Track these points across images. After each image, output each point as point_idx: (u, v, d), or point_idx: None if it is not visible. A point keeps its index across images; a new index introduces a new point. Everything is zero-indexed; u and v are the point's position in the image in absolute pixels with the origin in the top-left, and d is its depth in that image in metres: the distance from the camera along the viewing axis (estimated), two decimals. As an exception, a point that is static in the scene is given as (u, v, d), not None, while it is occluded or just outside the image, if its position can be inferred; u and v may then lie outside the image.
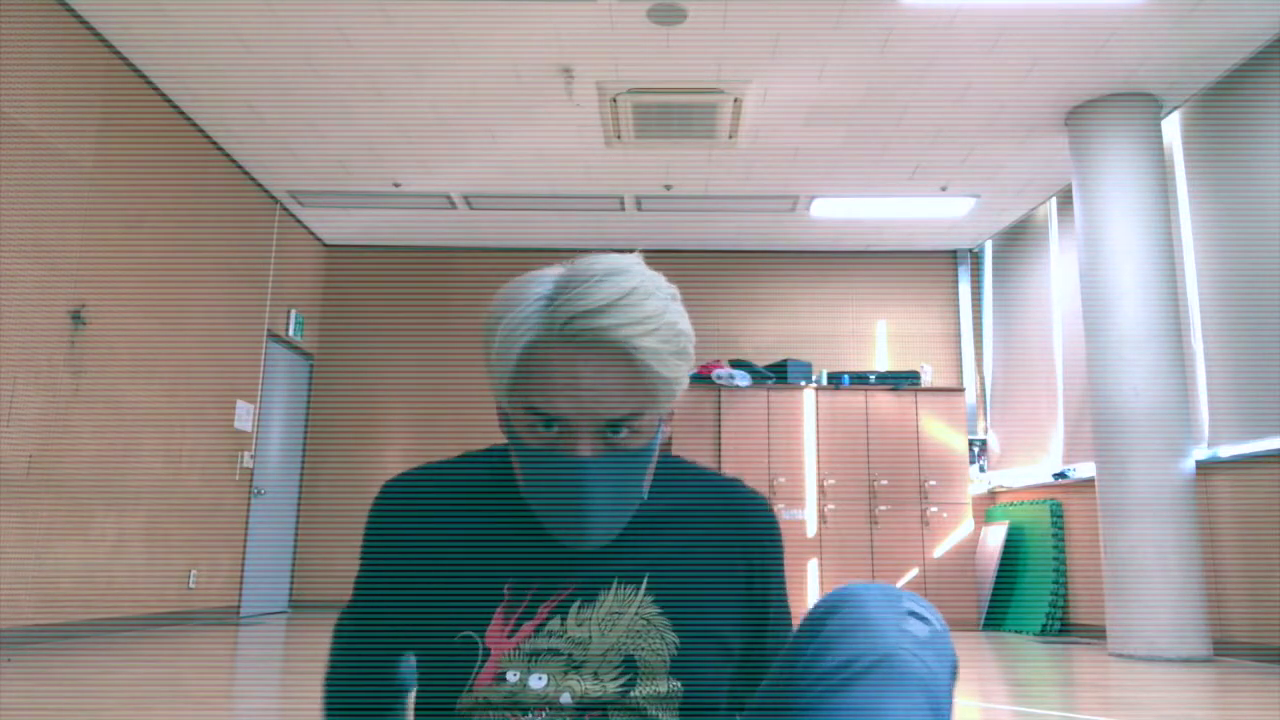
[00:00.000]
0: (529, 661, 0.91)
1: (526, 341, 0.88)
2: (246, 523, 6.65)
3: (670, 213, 7.23)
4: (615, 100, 5.41)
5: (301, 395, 7.72)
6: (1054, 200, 6.80)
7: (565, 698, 0.91)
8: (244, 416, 6.59)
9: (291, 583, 7.46)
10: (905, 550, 6.79)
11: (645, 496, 0.95)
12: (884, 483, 6.91)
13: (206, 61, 5.09)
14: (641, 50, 4.91)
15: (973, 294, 7.93)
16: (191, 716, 2.51)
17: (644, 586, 0.95)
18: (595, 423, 0.87)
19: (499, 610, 0.93)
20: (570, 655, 0.92)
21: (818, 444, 7.00)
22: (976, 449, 7.56)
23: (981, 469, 7.51)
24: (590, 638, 0.92)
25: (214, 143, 6.09)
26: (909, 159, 6.21)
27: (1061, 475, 6.31)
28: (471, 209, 7.22)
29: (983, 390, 7.76)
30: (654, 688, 0.92)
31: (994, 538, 6.89)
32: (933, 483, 6.89)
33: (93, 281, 4.83)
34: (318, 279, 7.97)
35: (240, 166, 6.47)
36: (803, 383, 7.11)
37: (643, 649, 0.93)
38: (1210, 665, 4.45)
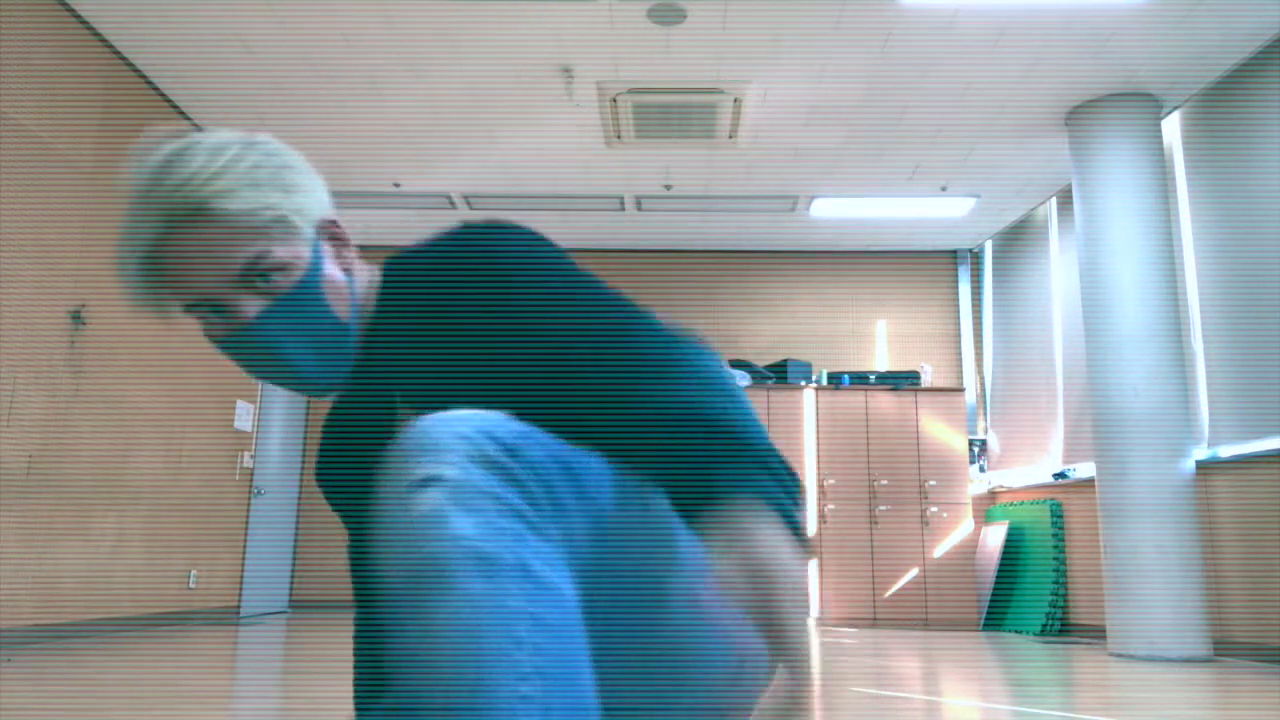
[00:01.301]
0: None
1: (139, 252, 0.88)
2: (246, 523, 6.65)
3: (670, 213, 7.23)
4: (615, 100, 5.41)
5: (301, 395, 7.72)
6: (1054, 200, 6.80)
7: None
8: (244, 416, 6.59)
9: (291, 583, 7.46)
10: (905, 550, 6.79)
11: (346, 322, 0.95)
12: (884, 483, 6.90)
13: (206, 61, 5.09)
14: (641, 50, 4.91)
15: (973, 294, 7.93)
16: (191, 716, 2.52)
17: (399, 405, 1.00)
18: (232, 283, 0.88)
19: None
20: None
21: (818, 444, 7.00)
22: (976, 449, 7.56)
23: (981, 469, 7.51)
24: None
25: (214, 143, 6.08)
26: (909, 159, 6.21)
27: (1061, 475, 6.31)
28: (471, 209, 7.22)
29: (983, 390, 7.76)
30: None
31: (994, 538, 6.89)
32: (933, 483, 6.89)
33: (93, 281, 4.83)
34: (318, 279, 7.97)
35: (240, 166, 6.47)
36: (803, 383, 7.11)
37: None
38: (1210, 665, 4.45)
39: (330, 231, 0.96)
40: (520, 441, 0.73)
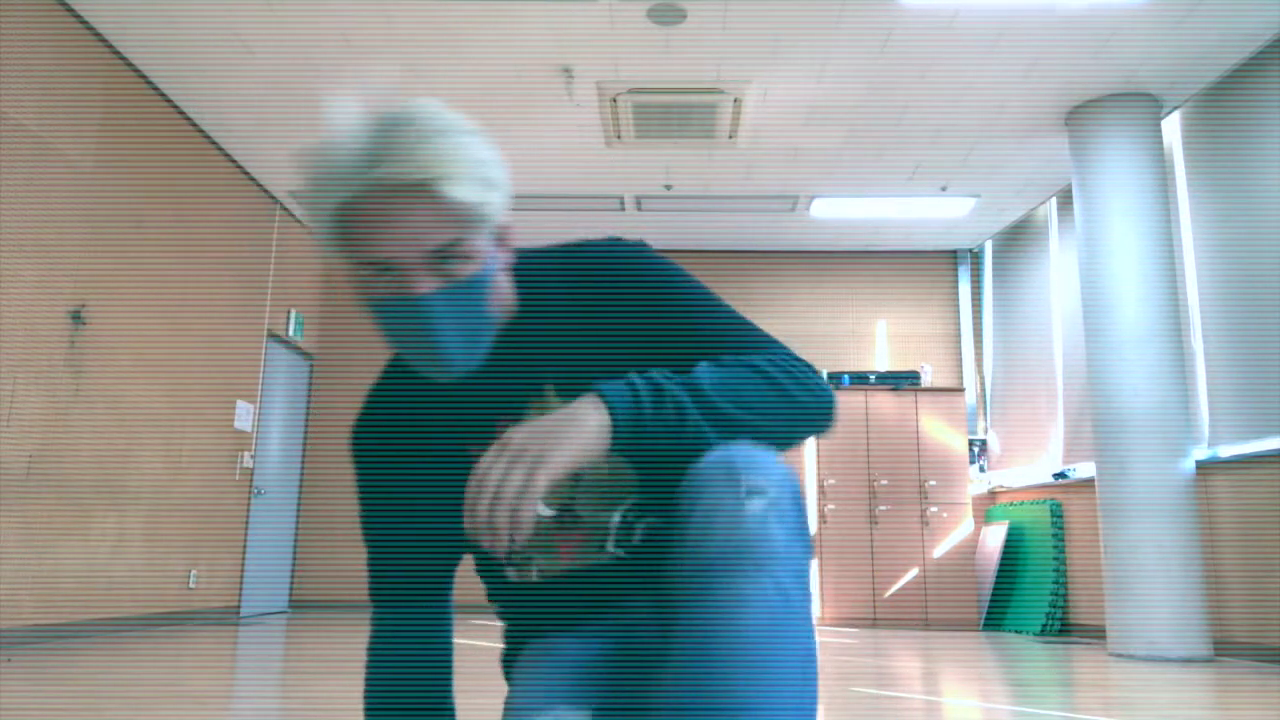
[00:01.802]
0: None
1: (338, 201, 0.92)
2: (246, 523, 6.65)
3: (670, 213, 7.23)
4: (615, 100, 5.41)
5: (301, 395, 7.72)
6: (1054, 200, 6.80)
7: (542, 508, 1.09)
8: (244, 416, 6.59)
9: (291, 583, 7.46)
10: (905, 550, 6.79)
11: (495, 319, 1.01)
12: (884, 483, 6.91)
13: (206, 61, 5.09)
14: (641, 50, 4.91)
15: (973, 294, 7.93)
16: (191, 716, 2.52)
17: (551, 392, 1.07)
18: (421, 258, 0.92)
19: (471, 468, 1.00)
20: None
21: (818, 444, 7.00)
22: (976, 449, 7.56)
23: (981, 469, 7.51)
24: None
25: (214, 143, 6.09)
26: (909, 159, 6.21)
27: (1061, 475, 6.31)
28: (471, 209, 7.22)
29: (983, 390, 7.76)
30: (599, 469, 1.07)
31: (994, 538, 6.89)
32: (933, 483, 6.89)
33: (93, 281, 4.83)
34: (318, 279, 7.97)
35: (240, 166, 6.47)
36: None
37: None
38: (1210, 665, 4.45)
39: (505, 233, 1.02)
40: (798, 485, 0.91)
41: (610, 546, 1.10)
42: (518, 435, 0.87)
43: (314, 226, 0.96)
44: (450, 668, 1.14)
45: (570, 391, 1.02)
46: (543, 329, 1.06)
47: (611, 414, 0.89)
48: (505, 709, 1.08)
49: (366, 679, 1.12)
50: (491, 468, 0.86)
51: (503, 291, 1.04)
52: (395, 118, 0.94)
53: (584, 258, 1.07)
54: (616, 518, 1.09)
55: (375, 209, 0.91)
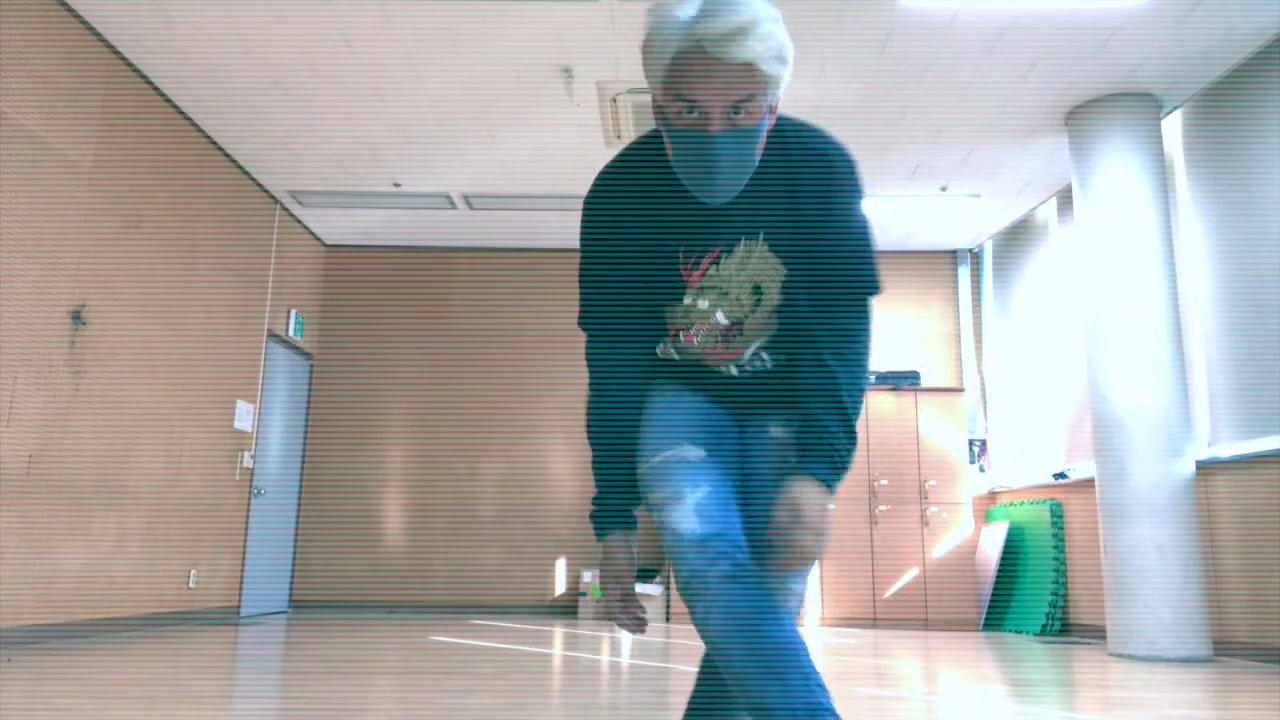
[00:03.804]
0: (699, 293, 1.43)
1: (674, 50, 1.22)
2: (246, 523, 6.65)
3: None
4: (615, 100, 5.41)
5: (301, 395, 7.72)
6: (1054, 200, 6.80)
7: (719, 316, 1.45)
8: (244, 416, 6.59)
9: (291, 583, 7.46)
10: (905, 550, 6.79)
11: (756, 163, 1.32)
12: (884, 483, 6.91)
13: (206, 61, 5.09)
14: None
15: (973, 294, 7.93)
16: (191, 716, 2.52)
17: (761, 238, 1.40)
18: (722, 106, 1.22)
19: (679, 265, 1.41)
20: (720, 288, 1.42)
21: (818, 444, 7.00)
22: (976, 449, 7.56)
23: (981, 469, 7.51)
24: (733, 275, 1.41)
25: (214, 143, 6.09)
26: (909, 159, 6.21)
27: (1061, 475, 6.31)
28: (471, 209, 7.22)
29: (983, 390, 7.76)
30: (771, 304, 1.44)
31: (994, 538, 6.89)
32: (933, 483, 6.89)
33: (93, 281, 4.83)
34: (318, 279, 7.97)
35: (240, 166, 6.47)
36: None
37: (764, 278, 1.42)
38: (1210, 665, 4.45)
39: (776, 103, 1.30)
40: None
41: (735, 370, 1.50)
42: (816, 510, 1.32)
43: (647, 67, 1.27)
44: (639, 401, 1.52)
45: (775, 243, 1.39)
46: (772, 186, 1.37)
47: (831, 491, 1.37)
48: (645, 429, 1.49)
49: (590, 408, 1.50)
50: (802, 520, 1.31)
51: (763, 144, 1.32)
52: (749, 14, 1.20)
53: (815, 139, 1.39)
54: (750, 352, 1.49)
55: (701, 64, 1.20)
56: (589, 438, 1.50)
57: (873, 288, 1.43)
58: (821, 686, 1.26)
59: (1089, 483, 6.02)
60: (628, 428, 1.48)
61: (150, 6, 4.58)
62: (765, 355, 1.48)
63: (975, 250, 7.98)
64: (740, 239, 1.39)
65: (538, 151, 6.20)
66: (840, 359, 1.39)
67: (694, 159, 1.27)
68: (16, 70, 4.25)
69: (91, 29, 4.77)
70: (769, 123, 1.30)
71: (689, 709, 1.55)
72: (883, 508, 6.87)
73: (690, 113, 1.24)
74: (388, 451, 7.75)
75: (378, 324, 7.98)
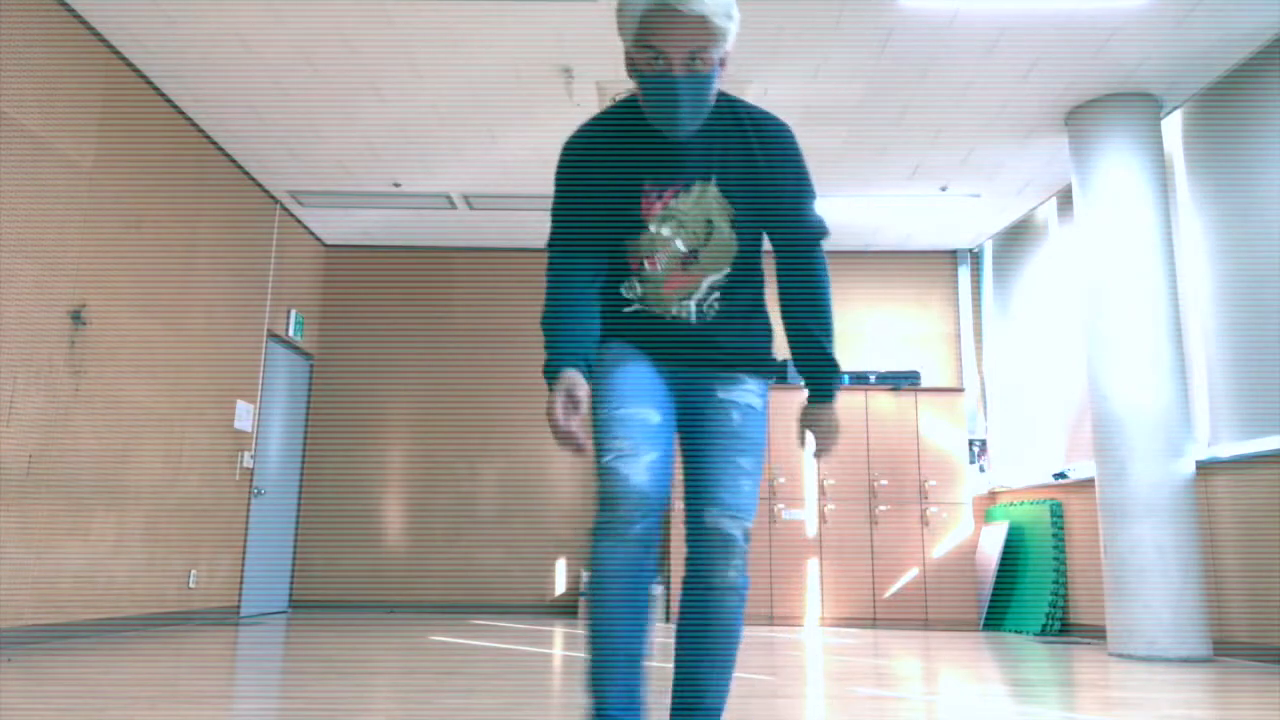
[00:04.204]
0: (661, 222, 1.70)
1: (644, 8, 1.53)
2: (246, 523, 6.65)
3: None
4: (615, 100, 5.41)
5: (301, 395, 7.72)
6: (1054, 200, 6.80)
7: (678, 243, 1.71)
8: (244, 416, 6.59)
9: (291, 583, 7.47)
10: (905, 550, 6.79)
11: (711, 104, 1.66)
12: (884, 483, 6.91)
13: (206, 61, 5.09)
14: (641, 50, 4.91)
15: (973, 294, 7.93)
16: (191, 716, 2.52)
17: (713, 180, 1.70)
18: (682, 53, 1.55)
19: (642, 198, 1.69)
20: (678, 219, 1.70)
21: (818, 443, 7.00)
22: (976, 449, 7.56)
23: (981, 469, 7.51)
24: (689, 210, 1.70)
25: (214, 143, 6.09)
26: (909, 159, 6.21)
27: (1061, 475, 6.31)
28: (471, 209, 7.22)
29: (983, 390, 7.76)
30: (722, 236, 1.72)
31: (994, 538, 6.89)
32: (933, 483, 6.89)
33: (93, 281, 4.83)
34: (318, 279, 7.97)
35: (240, 166, 6.47)
36: (803, 383, 7.11)
37: (715, 214, 1.70)
38: (1210, 665, 4.45)
39: (726, 56, 1.62)
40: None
41: (692, 304, 1.74)
42: (833, 422, 1.88)
43: (621, 25, 1.58)
44: (595, 311, 1.73)
45: (724, 186, 1.69)
46: (722, 140, 1.70)
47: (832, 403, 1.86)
48: (600, 389, 1.71)
49: (546, 299, 1.72)
50: (832, 434, 1.87)
51: (715, 90, 1.64)
52: None
53: (767, 119, 1.73)
54: (706, 285, 1.74)
55: (665, 18, 1.52)
56: (544, 316, 1.70)
57: (823, 229, 1.78)
58: (624, 688, 1.63)
59: (1089, 483, 6.02)
60: (583, 305, 1.69)
61: (150, 6, 4.58)
62: (719, 296, 1.75)
63: (975, 250, 7.98)
64: (695, 180, 1.68)
65: (538, 151, 6.20)
66: (814, 292, 1.76)
67: (661, 98, 1.59)
68: (16, 70, 4.25)
69: (91, 29, 4.77)
70: (720, 73, 1.61)
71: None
72: (883, 508, 6.87)
73: (657, 60, 1.56)
74: (388, 451, 7.75)
75: (378, 324, 7.98)
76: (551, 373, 1.62)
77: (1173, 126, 5.47)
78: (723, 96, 1.71)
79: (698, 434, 1.73)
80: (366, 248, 8.13)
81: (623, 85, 5.26)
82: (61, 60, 4.56)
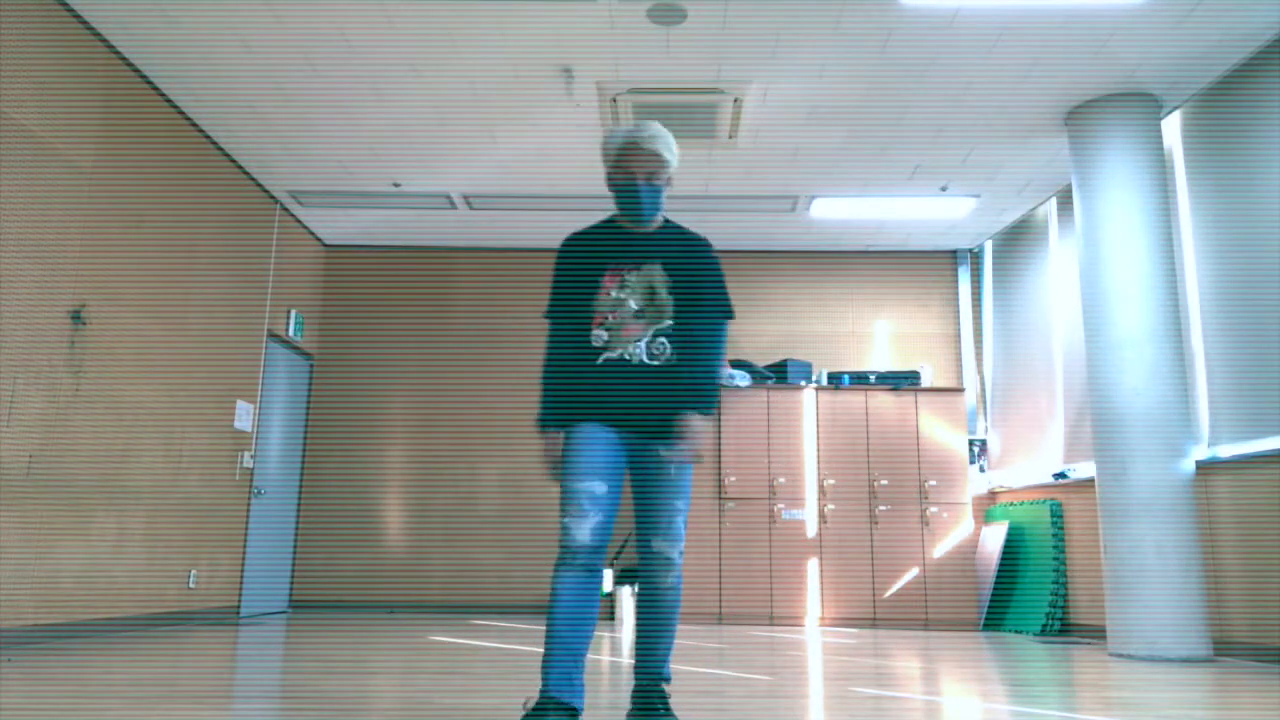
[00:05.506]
0: (619, 289, 2.44)
1: (616, 148, 2.46)
2: (246, 523, 6.65)
3: (671, 213, 7.23)
4: (615, 100, 5.41)
5: (301, 395, 7.72)
6: (1054, 200, 6.80)
7: (630, 303, 2.43)
8: (244, 416, 6.59)
9: (291, 583, 7.47)
10: (905, 550, 6.79)
11: (662, 209, 2.51)
12: (884, 483, 6.91)
13: (207, 61, 5.09)
14: (641, 50, 4.91)
15: (973, 294, 7.93)
16: (191, 716, 2.52)
17: (658, 264, 2.47)
18: (644, 172, 2.44)
19: (605, 275, 2.46)
20: (631, 287, 2.44)
21: (818, 444, 7.01)
22: (976, 449, 7.56)
23: (981, 469, 7.51)
24: (638, 282, 2.45)
25: (214, 143, 6.09)
26: (909, 159, 6.21)
27: (1061, 475, 6.31)
28: (471, 209, 7.22)
29: (983, 390, 7.76)
30: (661, 299, 2.44)
31: (994, 538, 6.89)
32: (933, 483, 6.89)
33: (93, 281, 4.83)
34: (318, 279, 7.97)
35: (240, 166, 6.47)
36: (803, 383, 7.11)
37: (657, 284, 2.45)
38: (1210, 665, 4.45)
39: (670, 180, 2.49)
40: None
41: (643, 349, 2.41)
42: (701, 429, 2.38)
43: (604, 154, 2.49)
44: (576, 369, 2.48)
45: (666, 265, 2.46)
46: (666, 245, 2.51)
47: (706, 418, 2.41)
48: (565, 463, 2.38)
49: (545, 359, 2.52)
50: (696, 437, 2.38)
51: (664, 201, 2.44)
52: (651, 126, 2.44)
53: (696, 237, 2.56)
54: (652, 331, 2.42)
55: (633, 151, 2.43)
56: (543, 374, 2.50)
57: (728, 313, 2.51)
58: (562, 672, 2.23)
59: (1089, 483, 6.02)
60: (569, 366, 2.46)
61: (150, 6, 4.58)
62: (664, 341, 2.43)
63: (975, 250, 7.98)
64: (644, 263, 2.47)
65: (537, 151, 6.20)
66: (709, 347, 2.44)
67: (629, 200, 2.46)
68: (16, 70, 4.25)
69: (91, 29, 4.77)
70: (667, 187, 2.50)
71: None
72: (883, 508, 6.87)
73: (628, 176, 2.45)
74: (387, 451, 7.75)
75: (378, 324, 7.98)
76: (544, 425, 2.46)
77: (1173, 126, 5.47)
78: (669, 222, 2.55)
79: (647, 485, 2.41)
80: (366, 248, 8.13)
81: (623, 85, 5.27)
82: (61, 60, 4.56)
